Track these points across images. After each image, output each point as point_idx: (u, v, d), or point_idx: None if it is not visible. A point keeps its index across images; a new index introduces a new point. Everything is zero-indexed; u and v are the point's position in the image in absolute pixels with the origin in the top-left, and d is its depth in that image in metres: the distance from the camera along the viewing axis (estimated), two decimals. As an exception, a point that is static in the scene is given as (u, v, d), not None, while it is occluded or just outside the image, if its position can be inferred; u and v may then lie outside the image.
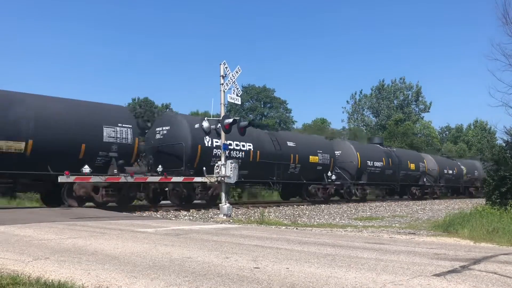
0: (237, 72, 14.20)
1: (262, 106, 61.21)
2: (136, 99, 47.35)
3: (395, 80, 65.46)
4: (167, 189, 16.86)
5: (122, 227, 8.05)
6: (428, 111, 65.41)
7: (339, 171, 24.63)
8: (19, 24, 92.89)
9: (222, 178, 13.62)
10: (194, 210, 16.15)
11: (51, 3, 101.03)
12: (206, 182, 16.07)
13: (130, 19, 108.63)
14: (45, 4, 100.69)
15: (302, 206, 19.95)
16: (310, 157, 22.44)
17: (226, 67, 13.95)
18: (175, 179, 16.20)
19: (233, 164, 13.64)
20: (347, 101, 66.71)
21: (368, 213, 16.77)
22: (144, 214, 13.68)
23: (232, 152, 18.05)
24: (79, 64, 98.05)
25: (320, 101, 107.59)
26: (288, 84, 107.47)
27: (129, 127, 15.45)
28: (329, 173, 23.46)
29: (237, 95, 14.44)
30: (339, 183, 24.35)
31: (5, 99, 13.06)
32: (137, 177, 15.05)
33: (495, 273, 4.07)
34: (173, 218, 12.91)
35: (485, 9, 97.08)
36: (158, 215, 14.01)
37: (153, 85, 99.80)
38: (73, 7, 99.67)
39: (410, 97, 64.66)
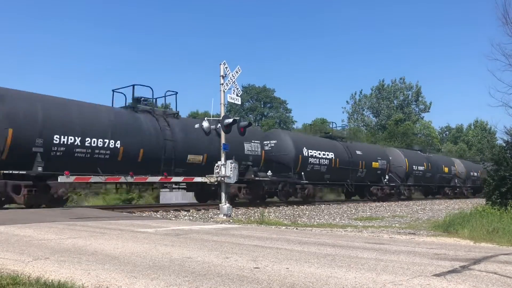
0: (237, 72, 14.19)
1: (262, 106, 61.24)
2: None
3: (395, 80, 65.56)
4: (279, 187, 20.77)
5: (122, 227, 8.05)
6: (428, 111, 65.51)
7: (391, 174, 28.87)
8: (19, 23, 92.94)
9: (222, 178, 13.62)
10: (194, 210, 16.15)
11: (51, 2, 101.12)
12: (206, 181, 16.10)
13: (130, 19, 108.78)
14: (45, 3, 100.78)
15: (302, 206, 19.96)
16: (373, 163, 27.05)
17: (226, 67, 13.94)
18: (175, 179, 16.23)
19: (233, 164, 13.63)
20: (347, 101, 66.82)
21: (368, 213, 16.76)
22: (144, 214, 13.68)
23: (320, 160, 22.91)
24: (78, 63, 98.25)
25: (320, 101, 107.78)
26: (288, 84, 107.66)
27: (258, 143, 19.99)
28: (387, 176, 28.22)
29: (237, 95, 14.43)
30: (393, 184, 28.68)
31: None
32: (137, 177, 15.07)
33: (495, 273, 4.07)
34: (173, 218, 12.90)
35: (485, 9, 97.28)
36: (158, 215, 14.01)
37: (153, 85, 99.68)
38: (73, 6, 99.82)
39: (410, 97, 64.70)
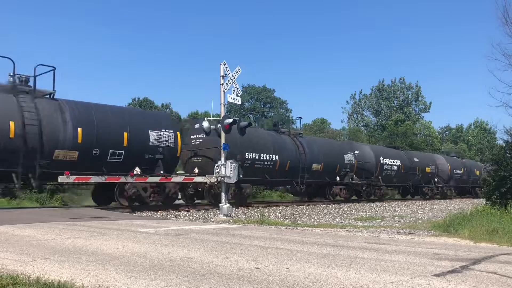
0: (237, 72, 14.19)
1: (262, 106, 61.22)
2: (136, 99, 47.40)
3: (395, 80, 65.42)
4: (363, 189, 26.47)
5: (122, 227, 8.05)
6: (428, 111, 65.38)
7: (437, 177, 34.35)
8: (18, 22, 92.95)
9: (222, 178, 13.62)
10: (194, 210, 16.16)
11: (51, 0, 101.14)
12: (207, 182, 16.14)
13: (130, 19, 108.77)
14: (45, 2, 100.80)
15: (302, 206, 19.97)
16: (426, 168, 32.70)
17: (226, 67, 13.94)
18: (174, 179, 16.23)
19: (233, 164, 13.63)
20: (347, 102, 66.73)
21: (368, 213, 16.76)
22: (144, 214, 13.68)
23: (391, 166, 28.81)
24: (78, 63, 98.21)
25: (320, 101, 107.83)
26: (288, 84, 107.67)
27: (352, 154, 25.97)
28: (436, 179, 33.84)
29: (237, 95, 14.43)
30: (440, 185, 34.23)
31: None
32: (137, 177, 15.07)
33: (495, 273, 4.07)
34: (173, 218, 12.90)
35: (485, 9, 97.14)
36: (158, 215, 14.01)
37: (153, 85, 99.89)
38: (73, 5, 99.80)
39: (410, 97, 64.62)
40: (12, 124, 12.76)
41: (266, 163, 20.25)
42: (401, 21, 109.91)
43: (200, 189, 17.60)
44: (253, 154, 19.82)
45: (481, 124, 71.54)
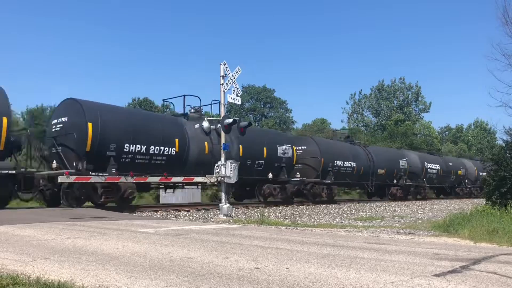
0: (237, 72, 14.19)
1: (262, 106, 61.21)
2: (136, 99, 47.33)
3: (395, 80, 65.43)
4: (411, 189, 31.27)
5: (122, 227, 8.04)
6: (428, 111, 65.40)
7: (467, 180, 39.28)
8: (18, 22, 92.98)
9: (222, 178, 13.61)
10: (194, 210, 16.16)
11: (51, 0, 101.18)
12: (206, 182, 16.15)
13: (130, 19, 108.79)
14: (45, 2, 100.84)
15: (302, 206, 20.00)
16: (458, 171, 38.19)
17: (226, 67, 13.94)
18: (174, 179, 16.25)
19: (233, 164, 13.62)
20: (347, 102, 66.72)
21: (368, 213, 16.76)
22: (144, 214, 13.68)
23: (433, 170, 34.43)
24: (78, 63, 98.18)
25: (320, 101, 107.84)
26: (288, 84, 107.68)
27: (405, 160, 31.16)
28: (466, 181, 38.97)
29: (237, 95, 14.43)
30: (469, 186, 39.14)
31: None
32: (137, 178, 15.09)
33: (495, 273, 4.07)
34: (173, 218, 12.90)
35: (485, 9, 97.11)
36: (158, 215, 14.01)
37: (153, 85, 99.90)
38: (73, 5, 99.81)
39: (410, 97, 64.62)
40: (206, 144, 17.52)
41: (347, 169, 25.79)
42: (401, 21, 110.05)
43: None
44: (340, 162, 25.21)
45: (481, 124, 71.51)
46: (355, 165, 26.29)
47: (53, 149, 14.96)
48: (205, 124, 17.37)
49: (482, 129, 70.84)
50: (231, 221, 12.01)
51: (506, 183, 11.58)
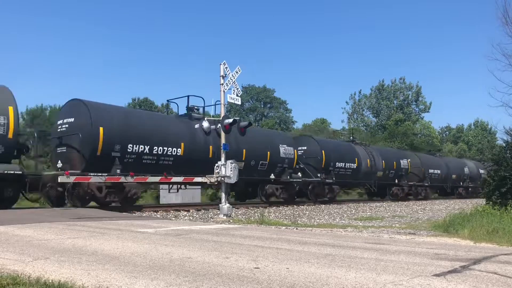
0: (237, 72, 14.18)
1: (262, 106, 61.22)
2: (136, 99, 47.33)
3: (395, 80, 65.45)
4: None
5: (122, 227, 8.04)
6: (428, 111, 65.42)
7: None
8: (18, 22, 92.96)
9: (222, 178, 13.61)
10: (194, 210, 16.15)
11: (51, 0, 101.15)
12: (206, 182, 16.13)
13: (130, 19, 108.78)
14: (45, 2, 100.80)
15: (302, 206, 19.99)
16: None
17: (226, 67, 13.93)
18: (174, 179, 16.25)
19: (233, 164, 13.62)
20: (347, 102, 66.75)
21: (368, 213, 16.76)
22: (144, 214, 13.68)
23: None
24: (78, 63, 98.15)
25: (320, 101, 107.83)
26: (288, 84, 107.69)
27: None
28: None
29: (237, 95, 14.42)
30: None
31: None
32: (137, 178, 15.09)
33: (495, 273, 4.07)
34: (173, 218, 12.90)
35: (485, 9, 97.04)
36: (158, 215, 14.01)
37: (153, 85, 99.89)
38: (73, 5, 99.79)
39: (410, 97, 64.63)
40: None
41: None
42: (401, 21, 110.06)
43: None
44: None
45: (481, 124, 71.47)
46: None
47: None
48: (205, 124, 17.37)
49: (482, 129, 70.79)
50: (231, 221, 12.01)
51: (506, 183, 11.58)
